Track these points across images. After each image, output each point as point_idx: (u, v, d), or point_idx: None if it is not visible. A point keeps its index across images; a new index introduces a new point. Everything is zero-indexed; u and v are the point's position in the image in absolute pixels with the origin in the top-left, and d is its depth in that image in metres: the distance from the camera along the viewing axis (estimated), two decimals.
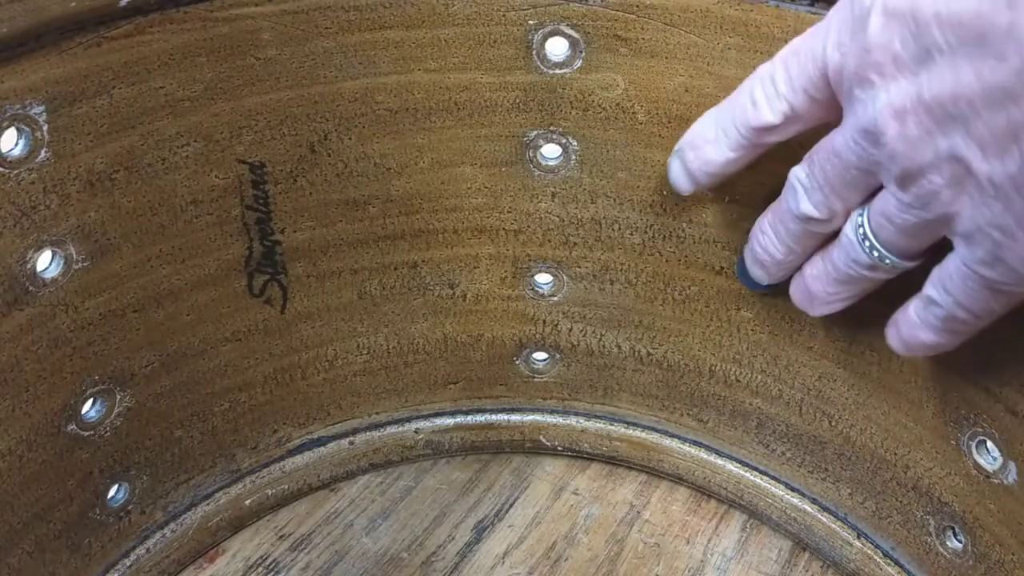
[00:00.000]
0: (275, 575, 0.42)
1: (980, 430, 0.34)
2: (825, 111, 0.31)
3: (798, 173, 0.33)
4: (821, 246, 0.34)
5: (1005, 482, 0.33)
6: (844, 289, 0.34)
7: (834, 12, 0.30)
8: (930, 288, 0.30)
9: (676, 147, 0.37)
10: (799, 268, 0.36)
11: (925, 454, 0.37)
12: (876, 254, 0.31)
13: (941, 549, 0.37)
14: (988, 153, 0.26)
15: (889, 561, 0.39)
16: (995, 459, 0.33)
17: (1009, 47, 0.24)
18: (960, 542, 0.36)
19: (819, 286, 0.35)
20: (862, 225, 0.31)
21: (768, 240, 0.35)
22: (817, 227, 0.33)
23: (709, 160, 0.35)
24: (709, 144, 0.35)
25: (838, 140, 0.30)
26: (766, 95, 0.33)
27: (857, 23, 0.28)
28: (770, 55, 0.34)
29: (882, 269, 0.32)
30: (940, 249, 0.30)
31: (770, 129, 0.33)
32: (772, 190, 0.35)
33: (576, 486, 0.47)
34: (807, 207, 0.32)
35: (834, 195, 0.32)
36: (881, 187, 0.30)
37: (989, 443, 0.34)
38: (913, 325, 0.32)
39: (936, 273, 0.30)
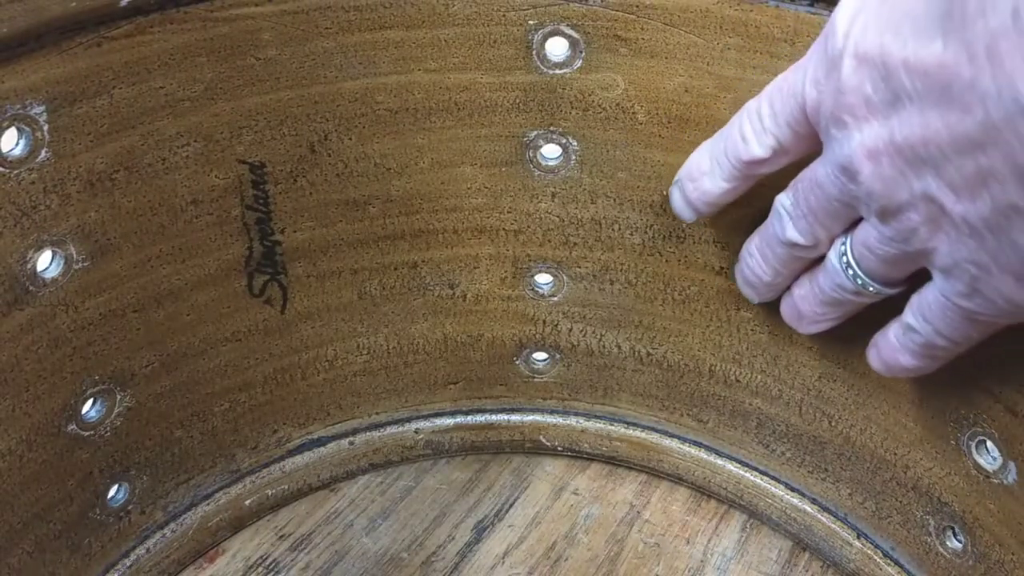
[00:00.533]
0: (275, 575, 0.42)
1: (980, 430, 0.34)
2: (809, 144, 0.32)
3: (783, 200, 0.34)
4: (808, 268, 0.35)
5: (1005, 482, 0.33)
6: (831, 310, 0.35)
7: (812, 49, 0.31)
8: (909, 316, 0.31)
9: (676, 178, 0.38)
10: (788, 288, 0.37)
11: (925, 454, 0.37)
12: (860, 281, 0.32)
13: (941, 549, 0.37)
14: (960, 196, 0.26)
15: (889, 561, 0.39)
16: (995, 459, 0.33)
17: (972, 100, 0.24)
18: (960, 542, 0.36)
19: (807, 306, 0.36)
20: (845, 254, 0.32)
21: (756, 263, 0.36)
22: (802, 252, 0.34)
23: (706, 191, 0.36)
24: (705, 176, 0.36)
25: (819, 172, 0.31)
26: (753, 130, 0.33)
27: (831, 64, 0.29)
28: (769, 55, 0.34)
29: (866, 295, 0.32)
30: (923, 275, 0.30)
31: (759, 162, 0.34)
32: (768, 197, 0.35)
33: (576, 486, 0.47)
34: (792, 234, 0.33)
35: (817, 224, 0.32)
36: (862, 217, 0.31)
37: (989, 443, 0.34)
38: (893, 349, 0.33)
39: (915, 301, 0.31)
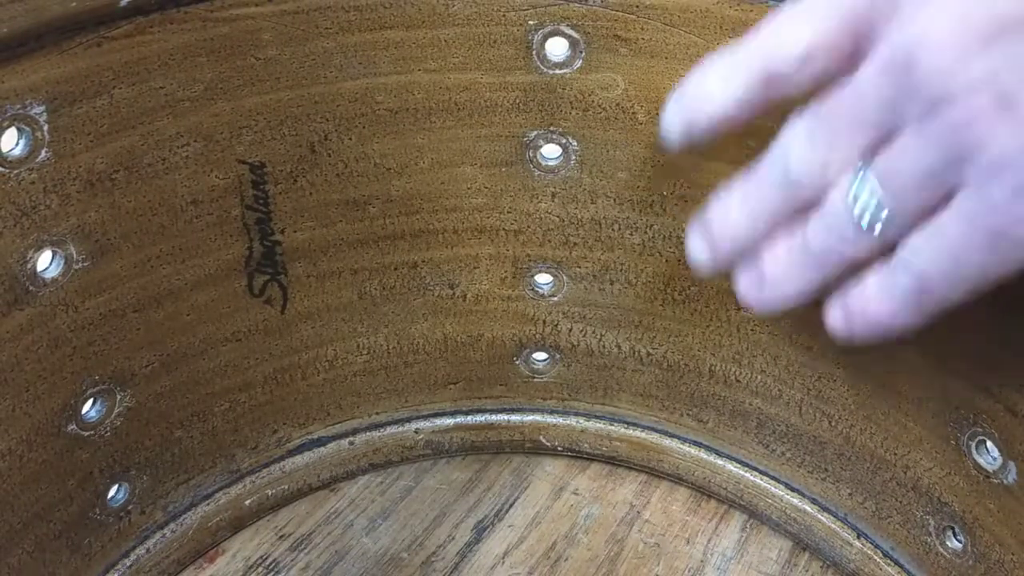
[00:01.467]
0: (275, 575, 0.42)
1: (980, 430, 0.34)
2: (852, 46, 0.27)
3: (795, 128, 0.28)
4: (786, 226, 0.30)
5: (1005, 482, 0.33)
6: (807, 275, 0.29)
7: None
8: (906, 250, 0.26)
9: (680, 90, 0.31)
10: (756, 251, 0.31)
11: (925, 454, 0.37)
12: (869, 218, 0.27)
13: (941, 549, 0.37)
14: None
15: (889, 561, 0.39)
16: (995, 459, 0.33)
17: None
18: (960, 542, 0.36)
19: (778, 268, 0.30)
20: (857, 186, 0.27)
21: (736, 213, 0.30)
22: (799, 197, 0.29)
23: (712, 101, 0.30)
24: (718, 82, 0.29)
25: (863, 76, 0.26)
26: (792, 20, 0.28)
27: None
28: None
29: (861, 248, 0.27)
30: None
31: (797, 62, 0.28)
32: None
33: (576, 486, 0.47)
34: (800, 167, 0.28)
35: (837, 150, 0.27)
36: (883, 143, 0.26)
37: (989, 443, 0.34)
38: (867, 298, 0.28)
39: (918, 234, 0.26)
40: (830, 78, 0.28)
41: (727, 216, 0.31)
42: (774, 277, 0.30)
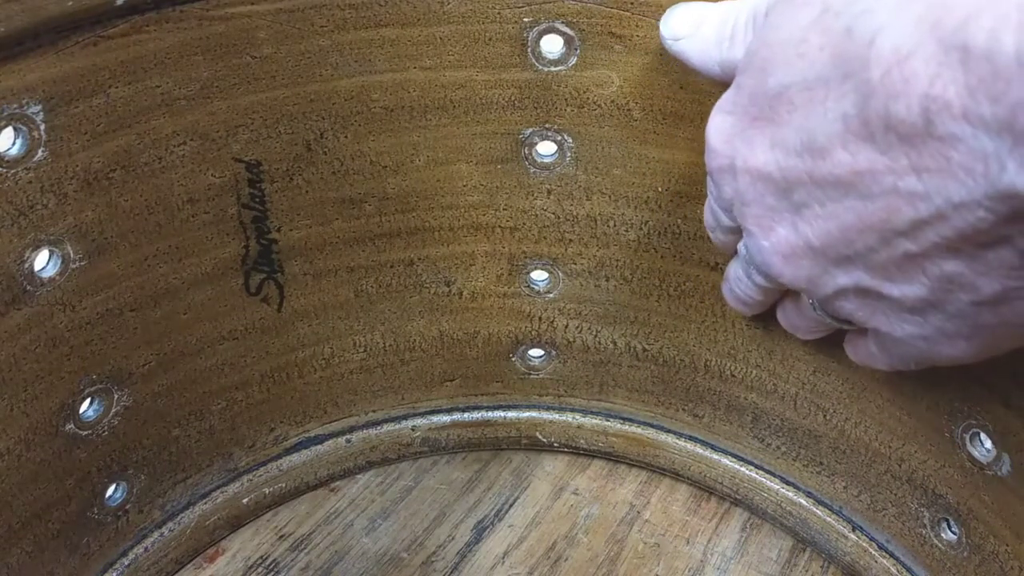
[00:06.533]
0: (275, 575, 0.42)
1: (974, 422, 0.34)
2: None
3: (742, 249, 0.33)
4: None
5: (999, 473, 0.33)
6: (820, 327, 0.35)
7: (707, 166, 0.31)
8: (873, 345, 0.32)
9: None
10: (781, 300, 0.37)
11: (919, 447, 0.37)
12: (828, 322, 0.33)
13: (936, 541, 0.37)
14: (895, 279, 0.26)
15: (884, 554, 0.40)
16: (989, 451, 0.34)
17: (899, 200, 0.24)
18: (955, 534, 0.36)
19: (799, 322, 0.36)
20: (812, 300, 0.32)
21: (746, 286, 0.36)
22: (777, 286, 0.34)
23: (720, 243, 0.36)
24: (712, 231, 0.36)
25: (745, 268, 0.32)
26: (708, 226, 0.35)
27: (725, 178, 0.29)
28: None
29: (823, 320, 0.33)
30: None
31: (736, 228, 0.33)
32: None
33: (576, 486, 0.47)
34: (759, 279, 0.33)
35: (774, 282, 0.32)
36: None
37: (983, 435, 0.34)
38: (868, 355, 0.33)
39: (874, 338, 0.31)
40: None
41: (743, 288, 0.36)
42: (798, 324, 0.36)
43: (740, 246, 0.33)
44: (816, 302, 0.30)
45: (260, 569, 0.43)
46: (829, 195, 0.25)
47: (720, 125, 0.29)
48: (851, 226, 0.25)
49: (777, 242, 0.28)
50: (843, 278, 0.27)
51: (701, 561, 0.43)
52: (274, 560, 0.43)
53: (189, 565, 0.43)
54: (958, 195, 0.22)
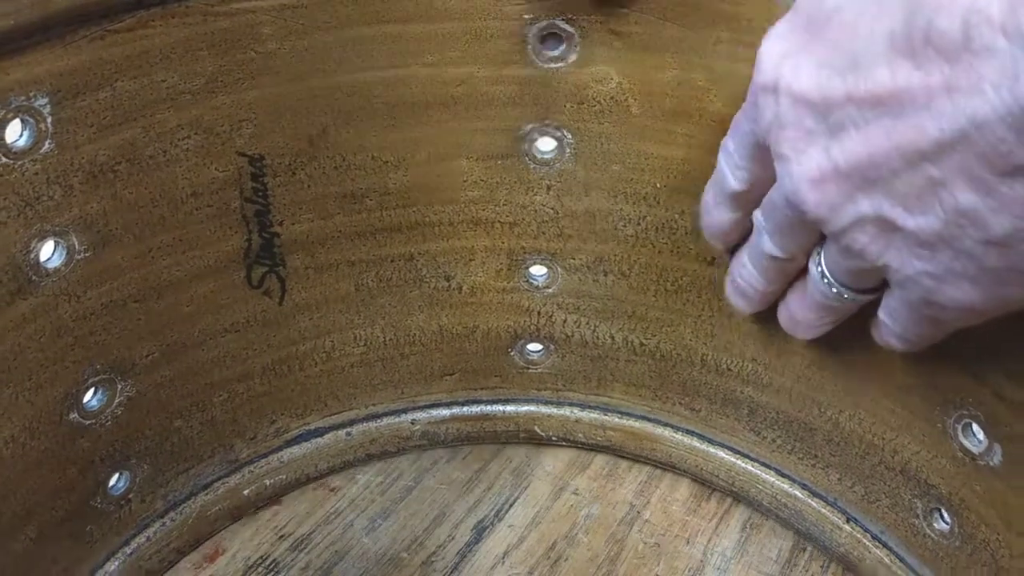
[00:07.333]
0: (275, 575, 0.42)
1: (966, 413, 0.34)
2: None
3: (757, 216, 0.34)
4: (800, 276, 0.35)
5: (990, 464, 0.34)
6: (824, 315, 0.35)
7: (750, 89, 0.31)
8: (881, 313, 0.32)
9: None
10: (783, 297, 0.37)
11: (912, 438, 0.37)
12: (835, 290, 0.33)
13: (928, 531, 0.38)
14: (912, 209, 0.27)
15: (878, 544, 0.40)
16: (980, 441, 0.34)
17: (926, 120, 0.25)
18: (947, 523, 0.37)
19: (801, 313, 0.36)
20: (820, 264, 0.33)
21: (749, 273, 0.37)
22: (785, 264, 0.34)
23: (716, 224, 0.37)
24: (713, 210, 0.37)
25: (775, 197, 0.32)
26: (727, 165, 0.34)
27: (766, 101, 0.30)
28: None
29: (850, 301, 0.33)
30: None
31: (743, 195, 0.34)
32: None
33: (576, 486, 0.47)
34: (770, 248, 0.34)
35: (788, 240, 0.33)
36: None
37: (974, 425, 0.34)
38: (887, 333, 0.33)
39: (884, 302, 0.32)
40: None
41: (748, 278, 0.37)
42: (799, 318, 0.36)
43: (755, 216, 0.34)
44: (834, 239, 0.30)
45: (260, 569, 0.43)
46: (865, 116, 0.26)
47: (772, 47, 0.30)
48: (880, 148, 0.26)
49: (809, 167, 0.28)
50: (865, 204, 0.28)
51: (701, 561, 0.43)
52: (274, 560, 0.43)
53: (189, 565, 0.43)
54: (982, 112, 0.23)
